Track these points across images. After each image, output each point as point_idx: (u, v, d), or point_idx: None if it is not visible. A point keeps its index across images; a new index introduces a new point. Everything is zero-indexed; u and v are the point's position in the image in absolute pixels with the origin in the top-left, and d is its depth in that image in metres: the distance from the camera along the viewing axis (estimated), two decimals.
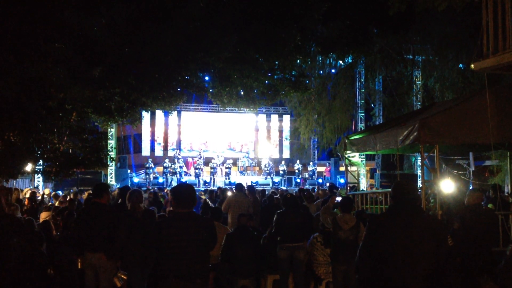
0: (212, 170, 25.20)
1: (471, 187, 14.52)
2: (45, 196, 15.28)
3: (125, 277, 5.95)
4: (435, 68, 20.82)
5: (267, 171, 26.39)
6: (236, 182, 13.57)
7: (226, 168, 25.44)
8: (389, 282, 3.54)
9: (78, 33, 11.82)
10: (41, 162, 14.27)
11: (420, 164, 19.95)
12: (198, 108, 30.61)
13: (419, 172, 20.94)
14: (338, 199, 8.42)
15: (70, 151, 14.37)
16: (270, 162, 26.87)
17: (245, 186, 12.26)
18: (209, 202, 11.38)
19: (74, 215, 8.57)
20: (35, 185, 20.91)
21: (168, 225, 4.24)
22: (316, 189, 16.96)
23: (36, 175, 19.81)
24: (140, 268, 5.83)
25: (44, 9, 10.40)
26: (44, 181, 21.36)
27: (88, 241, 5.37)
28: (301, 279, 7.20)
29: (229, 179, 24.78)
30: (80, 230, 5.97)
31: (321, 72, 25.92)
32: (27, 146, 11.77)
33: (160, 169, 26.26)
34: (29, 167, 14.10)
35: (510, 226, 8.64)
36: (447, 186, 8.32)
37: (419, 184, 8.66)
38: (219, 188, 16.15)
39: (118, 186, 21.06)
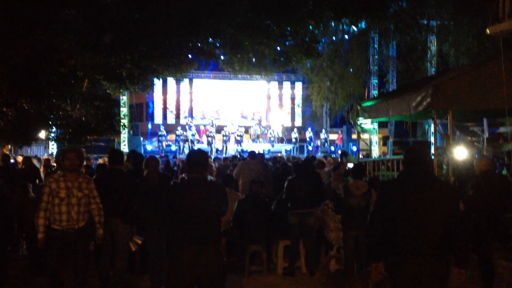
0: (225, 138, 25.26)
1: (480, 154, 14.37)
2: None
3: (140, 242, 6.04)
4: (450, 33, 20.43)
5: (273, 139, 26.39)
6: (248, 150, 13.58)
7: (237, 136, 25.46)
8: (400, 246, 3.55)
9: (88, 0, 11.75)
10: (54, 129, 14.37)
11: (433, 130, 19.82)
12: (210, 76, 30.47)
13: (432, 139, 20.79)
14: (350, 165, 8.39)
15: (83, 118, 14.45)
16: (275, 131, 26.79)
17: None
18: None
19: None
20: (50, 152, 21.14)
21: (181, 189, 4.28)
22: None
23: (50, 142, 19.99)
24: (157, 232, 5.91)
25: None
26: (58, 148, 21.56)
27: (106, 206, 5.44)
28: (312, 245, 7.26)
29: (241, 146, 24.83)
30: (99, 195, 6.04)
31: (334, 38, 25.54)
32: (39, 113, 11.85)
33: (172, 136, 26.37)
34: (42, 134, 14.22)
35: None
36: (460, 152, 8.25)
37: (432, 150, 8.63)
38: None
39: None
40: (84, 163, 6.62)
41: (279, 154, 20.22)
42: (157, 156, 15.68)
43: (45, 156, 17.27)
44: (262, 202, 7.27)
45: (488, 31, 6.61)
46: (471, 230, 5.72)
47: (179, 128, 25.67)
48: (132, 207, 5.94)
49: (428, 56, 22.21)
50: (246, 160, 10.73)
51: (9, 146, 12.60)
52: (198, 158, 4.31)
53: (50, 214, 5.04)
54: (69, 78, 12.40)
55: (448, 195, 3.59)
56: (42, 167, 13.05)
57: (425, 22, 22.06)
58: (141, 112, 32.87)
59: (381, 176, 10.10)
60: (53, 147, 21.72)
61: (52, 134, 14.34)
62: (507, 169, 8.97)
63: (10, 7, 9.86)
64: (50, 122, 13.00)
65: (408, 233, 3.52)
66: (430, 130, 22.94)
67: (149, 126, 30.79)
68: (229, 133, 25.63)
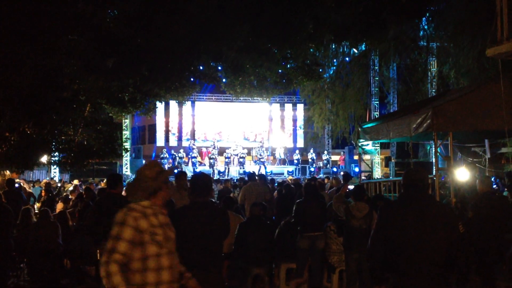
0: (227, 159, 25.28)
1: (483, 174, 14.35)
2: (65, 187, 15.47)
3: None
4: (450, 55, 20.56)
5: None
6: (250, 172, 13.56)
7: (240, 158, 25.49)
8: (401, 269, 3.54)
9: (92, 24, 11.89)
10: (56, 153, 14.43)
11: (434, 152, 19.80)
12: (212, 98, 30.62)
13: (434, 160, 20.78)
14: (350, 187, 8.39)
15: (85, 142, 14.51)
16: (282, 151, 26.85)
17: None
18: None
19: (90, 205, 8.66)
20: (51, 176, 21.18)
21: (184, 214, 4.27)
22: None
23: (52, 166, 20.04)
24: None
25: (58, 1, 10.47)
26: (60, 172, 21.61)
27: (104, 232, 5.42)
28: (318, 269, 7.22)
29: (243, 168, 24.82)
30: (96, 221, 6.03)
31: (335, 60, 25.73)
32: (42, 137, 11.90)
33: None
34: (44, 158, 14.27)
35: None
36: (462, 174, 8.26)
37: (434, 172, 8.69)
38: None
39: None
40: (83, 186, 6.63)
41: (289, 177, 20.11)
42: None
43: (45, 180, 17.29)
44: (264, 225, 7.24)
45: (487, 53, 6.67)
46: (472, 251, 5.70)
47: (181, 150, 25.75)
48: None
49: (429, 77, 22.31)
50: (248, 183, 10.68)
51: (7, 172, 12.61)
52: (202, 181, 4.32)
53: (133, 275, 3.06)
54: (71, 102, 12.49)
55: (447, 218, 3.59)
56: (43, 191, 13.07)
57: (425, 44, 22.23)
58: (143, 135, 32.95)
59: None
60: (55, 171, 21.76)
61: (54, 158, 14.38)
62: (508, 190, 8.95)
63: (14, 32, 9.99)
64: (52, 147, 13.05)
65: (409, 256, 3.52)
66: (432, 151, 22.93)
67: (154, 148, 30.81)
68: (231, 155, 25.65)
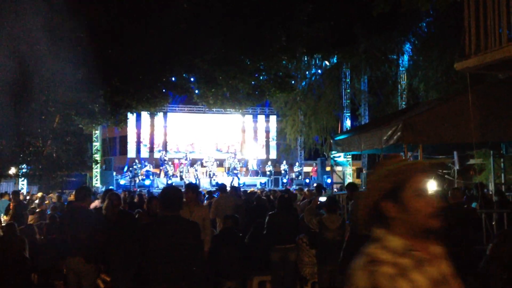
0: (196, 172, 25.27)
1: (451, 186, 14.61)
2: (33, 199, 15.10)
3: (108, 279, 5.89)
4: (419, 68, 20.95)
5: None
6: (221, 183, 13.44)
7: (210, 169, 25.50)
8: None
9: (61, 35, 11.72)
10: (24, 165, 14.12)
11: None
12: (184, 109, 30.47)
13: None
14: (322, 199, 8.42)
15: (54, 154, 14.24)
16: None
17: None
18: None
19: (56, 218, 8.47)
20: (19, 189, 20.66)
21: (155, 228, 4.19)
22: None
23: (20, 178, 19.58)
24: (123, 271, 5.76)
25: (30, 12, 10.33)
26: (28, 184, 21.11)
27: (69, 245, 5.30)
28: (292, 281, 7.19)
29: (215, 180, 24.71)
30: (61, 234, 5.89)
31: (307, 72, 25.96)
32: (9, 149, 11.64)
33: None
34: (12, 170, 13.95)
35: (493, 224, 8.71)
36: (431, 185, 8.36)
37: None
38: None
39: (103, 188, 20.88)
40: (54, 200, 6.49)
41: (251, 189, 20.10)
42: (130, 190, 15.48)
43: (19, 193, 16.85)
44: (236, 238, 7.20)
45: (456, 66, 6.80)
46: None
47: (153, 163, 25.53)
48: (94, 246, 5.77)
49: (399, 90, 22.69)
50: (219, 196, 10.56)
51: None
52: (172, 195, 4.24)
53: None
54: (40, 114, 12.27)
55: None
56: (11, 204, 12.72)
57: (395, 57, 22.62)
58: (114, 146, 32.52)
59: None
60: (22, 184, 21.25)
61: (22, 170, 14.06)
62: (477, 201, 9.10)
63: None
64: (20, 159, 12.77)
65: None
66: None
67: (133, 158, 30.45)
68: (203, 166, 25.60)
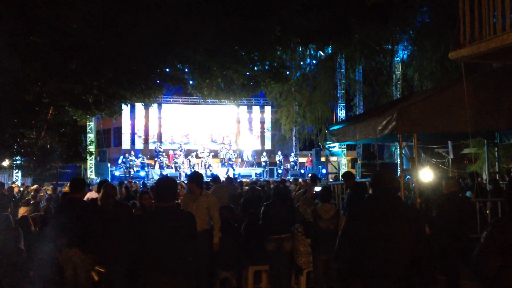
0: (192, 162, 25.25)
1: (446, 175, 14.68)
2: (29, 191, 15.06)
3: (103, 271, 5.88)
4: (414, 58, 20.96)
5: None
6: (215, 174, 13.47)
7: (206, 159, 25.48)
8: (367, 271, 3.56)
9: (54, 26, 11.60)
10: (18, 157, 14.05)
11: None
12: (179, 101, 30.41)
13: (399, 161, 21.13)
14: (317, 189, 8.43)
15: (48, 146, 14.17)
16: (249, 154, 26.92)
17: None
18: None
19: (52, 210, 8.45)
20: (14, 180, 20.61)
21: (149, 219, 4.18)
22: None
23: (14, 170, 19.52)
24: (118, 262, 5.76)
25: (20, 4, 10.21)
26: (22, 176, 21.06)
27: (64, 237, 5.28)
28: (287, 271, 7.21)
29: (210, 171, 24.71)
30: (56, 226, 5.88)
31: (302, 63, 25.92)
32: (3, 141, 11.58)
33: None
34: (5, 162, 13.89)
35: (487, 213, 8.78)
36: (426, 174, 8.40)
37: (399, 172, 8.85)
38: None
39: (98, 180, 20.83)
40: (49, 192, 6.48)
41: (245, 179, 20.12)
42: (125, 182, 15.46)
43: (13, 184, 16.81)
44: (231, 228, 7.21)
45: (450, 56, 6.80)
46: (437, 250, 5.79)
47: (147, 154, 25.48)
48: (90, 237, 5.76)
49: (393, 80, 22.70)
50: (214, 187, 10.57)
51: None
52: (167, 186, 4.22)
53: None
54: (33, 105, 12.18)
55: (414, 219, 3.62)
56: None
57: (390, 47, 22.61)
58: (108, 138, 32.44)
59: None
60: (17, 175, 21.19)
61: (16, 162, 13.99)
62: (471, 190, 9.16)
63: None
64: (14, 150, 12.70)
65: (375, 258, 3.53)
66: (396, 152, 23.31)
67: (128, 150, 30.39)
68: (198, 157, 25.60)
